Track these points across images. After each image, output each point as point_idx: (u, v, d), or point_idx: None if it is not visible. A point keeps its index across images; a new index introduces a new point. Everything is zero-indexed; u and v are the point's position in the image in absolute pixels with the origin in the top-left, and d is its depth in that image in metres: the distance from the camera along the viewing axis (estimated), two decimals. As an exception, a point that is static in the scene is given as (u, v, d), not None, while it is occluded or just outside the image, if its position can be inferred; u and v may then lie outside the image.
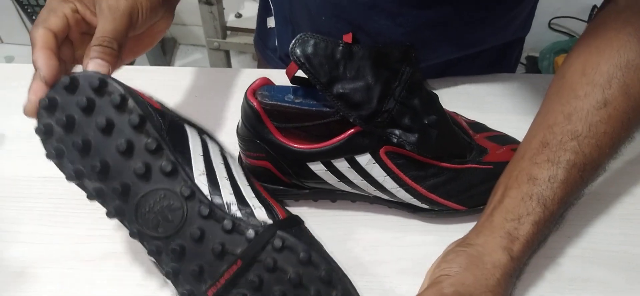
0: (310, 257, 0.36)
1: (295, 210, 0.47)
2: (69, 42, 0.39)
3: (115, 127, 0.35)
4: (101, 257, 0.45)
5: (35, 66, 0.35)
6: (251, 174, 0.46)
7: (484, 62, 0.60)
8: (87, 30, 0.39)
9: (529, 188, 0.40)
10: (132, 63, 0.56)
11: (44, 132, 0.35)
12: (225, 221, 0.36)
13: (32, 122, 0.36)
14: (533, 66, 1.60)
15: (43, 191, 0.49)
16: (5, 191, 0.50)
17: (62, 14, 0.37)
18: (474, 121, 0.50)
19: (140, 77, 0.60)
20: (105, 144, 0.35)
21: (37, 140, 0.36)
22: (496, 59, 0.63)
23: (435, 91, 0.58)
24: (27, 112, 0.35)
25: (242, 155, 0.47)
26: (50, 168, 0.37)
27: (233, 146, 0.46)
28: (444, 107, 0.45)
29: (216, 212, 0.36)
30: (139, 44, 0.44)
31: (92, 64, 0.35)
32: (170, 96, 0.60)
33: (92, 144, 0.35)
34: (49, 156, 0.35)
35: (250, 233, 0.36)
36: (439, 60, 0.58)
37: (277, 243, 0.36)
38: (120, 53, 0.37)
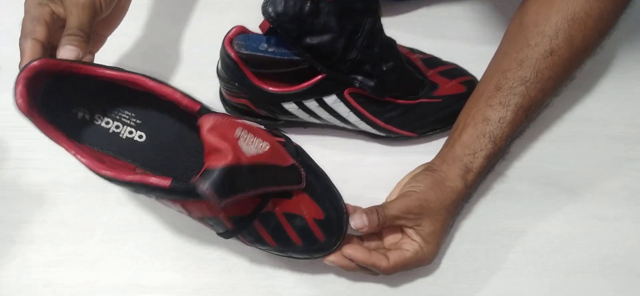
0: None
1: (272, 136, 0.55)
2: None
3: None
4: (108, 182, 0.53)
5: None
6: (232, 110, 0.53)
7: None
8: (62, 25, 0.43)
9: (483, 127, 0.47)
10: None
11: None
12: None
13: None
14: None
15: (46, 121, 0.55)
16: (11, 122, 0.55)
17: (43, 20, 0.41)
18: (428, 56, 0.55)
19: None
20: None
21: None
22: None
23: (398, 16, 0.63)
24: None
25: (223, 93, 0.52)
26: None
27: (214, 77, 0.51)
28: (402, 38, 0.51)
29: None
30: (112, 20, 0.48)
31: (62, 51, 0.40)
32: (145, 22, 0.63)
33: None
34: None
35: None
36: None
37: None
38: (88, 38, 0.42)
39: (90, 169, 0.37)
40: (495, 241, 0.51)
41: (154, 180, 0.35)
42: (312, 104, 0.49)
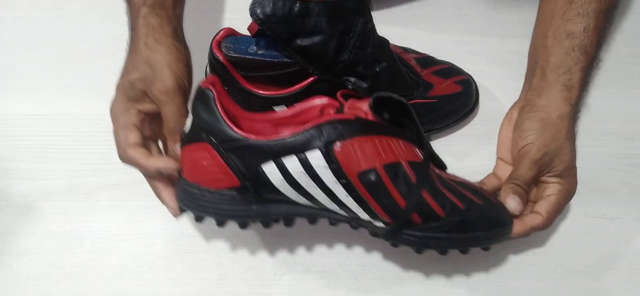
0: None
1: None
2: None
3: None
4: (96, 189, 0.51)
5: (157, 172, 0.42)
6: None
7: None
8: (154, 116, 0.44)
9: (569, 42, 0.46)
10: None
11: None
12: None
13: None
14: None
15: (31, 130, 0.54)
16: (-4, 131, 0.54)
17: (131, 125, 0.42)
18: (423, 55, 0.54)
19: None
20: None
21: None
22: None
23: (390, 10, 0.61)
24: (177, 215, 0.44)
25: (213, 97, 0.51)
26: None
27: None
28: (396, 37, 0.50)
29: None
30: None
31: None
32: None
33: None
34: None
35: None
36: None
37: None
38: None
39: (272, 139, 0.38)
40: (494, 243, 0.50)
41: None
42: (304, 106, 0.47)
